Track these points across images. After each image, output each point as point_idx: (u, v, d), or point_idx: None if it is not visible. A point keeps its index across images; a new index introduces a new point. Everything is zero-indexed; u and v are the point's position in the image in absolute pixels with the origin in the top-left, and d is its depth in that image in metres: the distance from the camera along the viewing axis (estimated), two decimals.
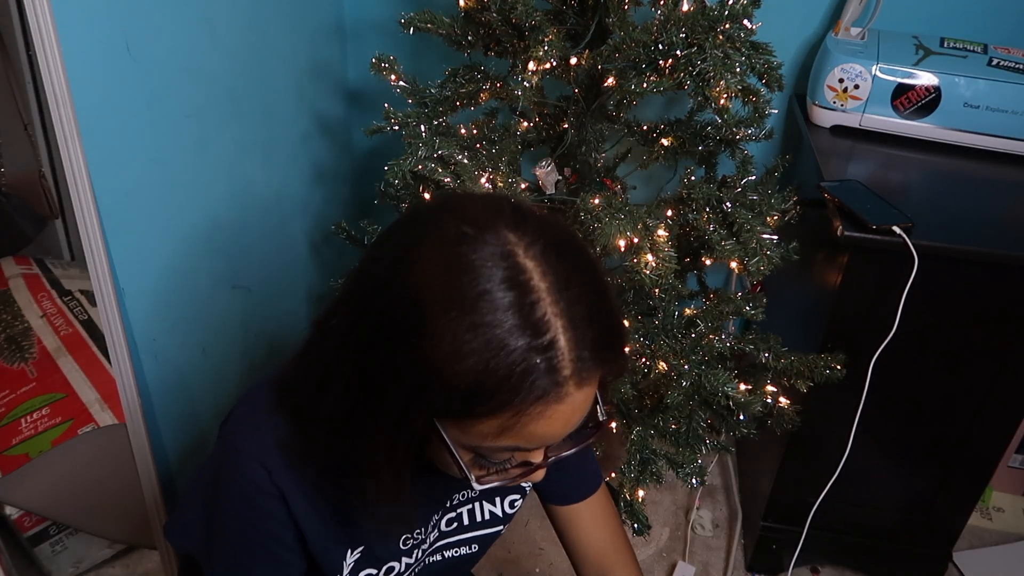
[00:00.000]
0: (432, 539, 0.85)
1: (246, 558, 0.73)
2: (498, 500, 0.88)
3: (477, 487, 0.64)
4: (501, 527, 0.89)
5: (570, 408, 0.59)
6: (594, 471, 0.94)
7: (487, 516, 0.88)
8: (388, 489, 0.65)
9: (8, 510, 1.39)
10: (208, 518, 0.74)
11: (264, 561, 0.74)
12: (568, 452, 0.66)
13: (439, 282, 0.56)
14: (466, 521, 0.87)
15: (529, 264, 0.57)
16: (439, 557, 0.88)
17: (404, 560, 0.82)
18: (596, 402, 0.65)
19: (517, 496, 0.89)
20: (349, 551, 0.77)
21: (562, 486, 0.91)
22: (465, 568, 0.94)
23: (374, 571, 0.80)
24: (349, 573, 0.79)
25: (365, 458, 0.64)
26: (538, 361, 0.55)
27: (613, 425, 1.39)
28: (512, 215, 0.60)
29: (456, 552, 0.88)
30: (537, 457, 0.65)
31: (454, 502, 0.85)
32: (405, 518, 0.71)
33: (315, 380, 0.67)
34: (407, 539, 0.81)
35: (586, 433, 0.66)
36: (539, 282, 0.57)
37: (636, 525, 1.33)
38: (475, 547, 0.89)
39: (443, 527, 0.85)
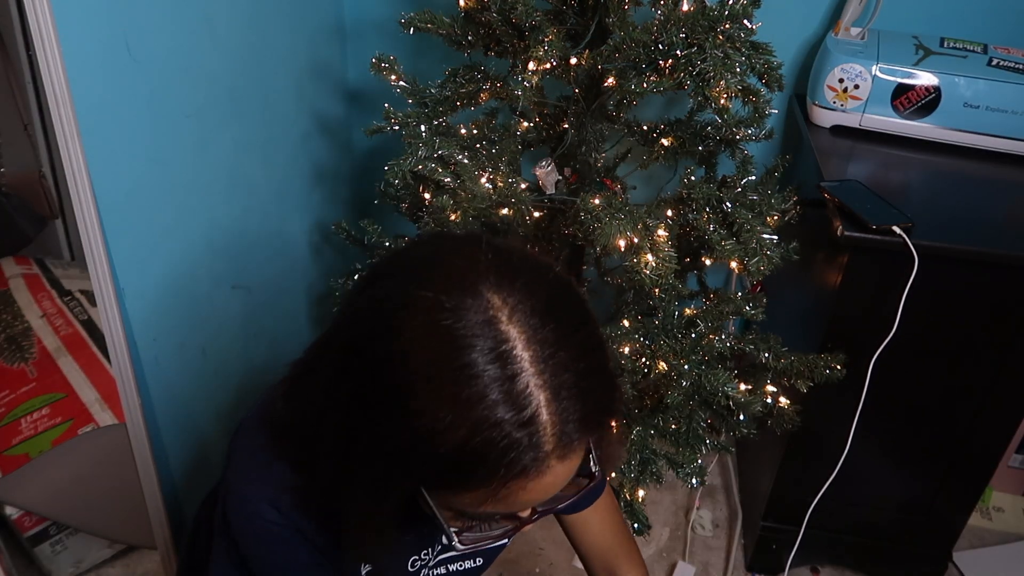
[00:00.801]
0: (436, 551, 0.85)
1: None
2: None
3: (460, 547, 0.62)
4: (506, 540, 0.89)
5: (553, 479, 0.57)
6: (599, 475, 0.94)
7: None
8: (371, 541, 0.64)
9: (8, 510, 1.39)
10: (242, 566, 0.73)
11: None
12: (560, 504, 0.64)
13: (417, 354, 0.54)
14: None
15: (512, 332, 0.54)
16: (443, 571, 0.87)
17: None
18: (589, 452, 0.63)
19: None
20: (362, 565, 0.78)
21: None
22: None
23: None
24: None
25: (351, 513, 0.63)
26: (519, 437, 0.53)
27: (613, 425, 1.39)
28: (496, 273, 0.56)
29: (460, 566, 0.88)
30: (525, 512, 0.63)
31: None
32: (388, 566, 0.70)
33: (304, 431, 0.65)
34: (415, 561, 0.81)
35: (578, 485, 0.64)
36: (522, 351, 0.54)
37: (636, 525, 1.33)
38: (480, 560, 0.89)
39: (445, 541, 0.85)
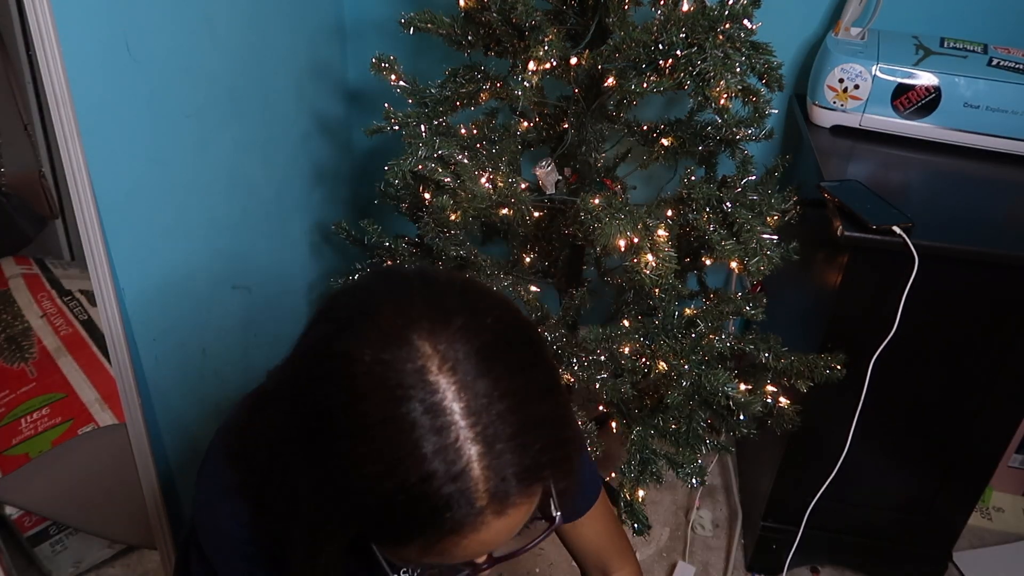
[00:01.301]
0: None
1: None
2: None
3: None
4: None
5: (491, 535, 0.54)
6: (592, 480, 0.93)
7: None
8: None
9: (8, 510, 1.39)
10: None
11: None
12: (519, 549, 0.62)
13: (348, 406, 0.52)
14: None
15: (443, 382, 0.51)
16: None
17: None
18: (550, 495, 0.60)
19: None
20: None
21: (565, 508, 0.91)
22: None
23: None
24: None
25: (296, 555, 0.62)
26: (449, 492, 0.51)
27: (613, 425, 1.39)
28: (429, 317, 0.54)
29: None
30: (480, 559, 0.60)
31: None
32: None
33: (255, 470, 0.65)
34: None
35: (537, 529, 0.62)
36: (452, 403, 0.51)
37: (636, 525, 1.32)
38: None
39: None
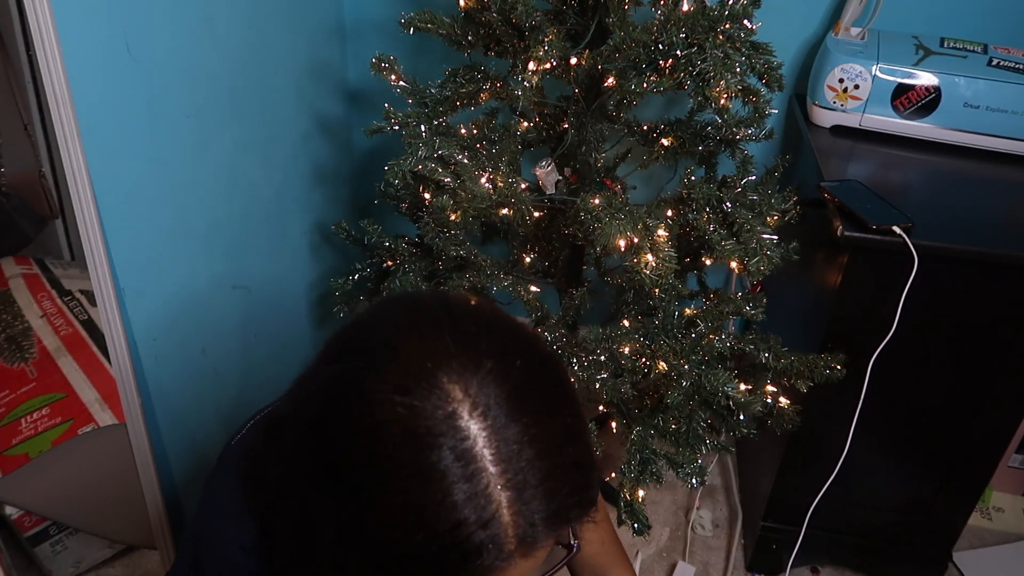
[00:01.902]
0: None
1: None
2: None
3: None
4: None
5: (517, 573, 0.54)
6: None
7: None
8: None
9: (8, 510, 1.39)
10: None
11: None
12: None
13: (374, 451, 0.51)
14: None
15: (474, 428, 0.50)
16: None
17: None
18: (568, 527, 0.59)
19: None
20: None
21: None
22: None
23: None
24: None
25: None
26: (480, 539, 0.50)
27: (613, 425, 1.39)
28: (458, 360, 0.52)
29: None
30: None
31: None
32: None
33: (269, 498, 0.64)
34: None
35: (555, 558, 0.61)
36: (483, 449, 0.50)
37: (636, 525, 1.32)
38: None
39: None
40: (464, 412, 0.51)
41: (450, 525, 0.50)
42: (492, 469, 0.50)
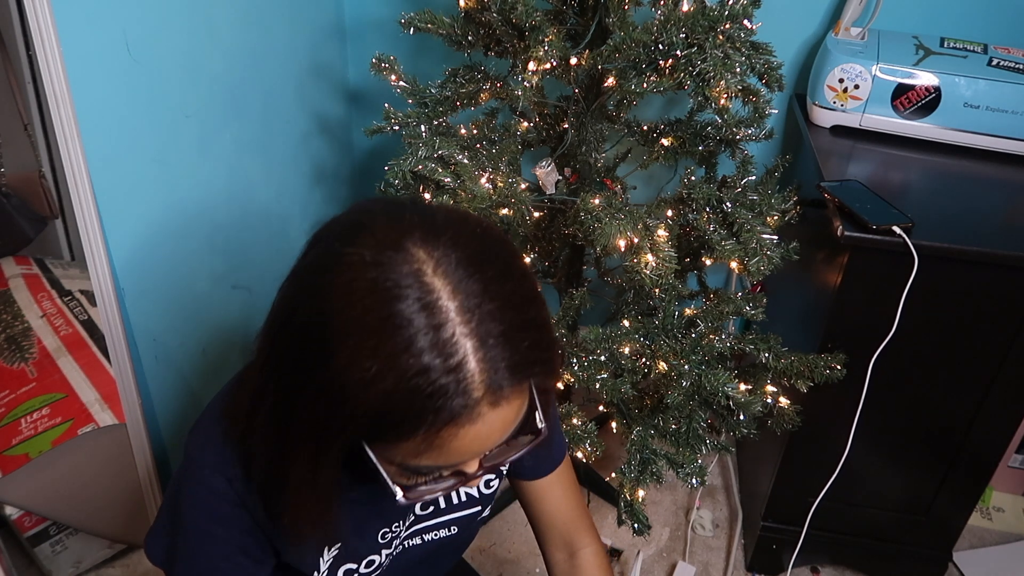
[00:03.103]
0: (408, 522, 0.85)
1: (207, 569, 0.74)
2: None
3: (403, 501, 0.62)
4: (480, 507, 0.89)
5: (486, 427, 0.57)
6: (559, 442, 0.95)
7: (463, 498, 0.87)
8: (315, 511, 0.65)
9: (8, 510, 1.39)
10: (172, 532, 0.75)
11: (226, 572, 0.74)
12: (506, 459, 0.64)
13: (343, 308, 0.55)
14: (443, 504, 0.86)
15: (437, 283, 0.55)
16: (418, 540, 0.87)
17: (384, 552, 0.83)
18: (535, 409, 0.63)
19: (493, 476, 0.88)
20: (326, 549, 0.78)
21: (532, 461, 0.92)
22: (447, 551, 0.94)
23: (354, 566, 0.81)
24: (327, 570, 0.79)
25: (293, 482, 0.63)
26: (446, 383, 0.54)
27: (613, 425, 1.39)
28: (422, 228, 0.58)
29: (435, 535, 0.88)
30: (471, 467, 0.63)
31: None
32: (328, 536, 0.70)
33: (247, 406, 0.67)
34: (385, 533, 0.81)
35: (523, 441, 0.65)
36: (447, 302, 0.54)
37: (636, 525, 1.32)
38: (454, 529, 0.89)
39: (418, 511, 0.85)
40: (428, 269, 0.55)
41: (418, 370, 0.53)
42: (457, 319, 0.54)
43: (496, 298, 0.56)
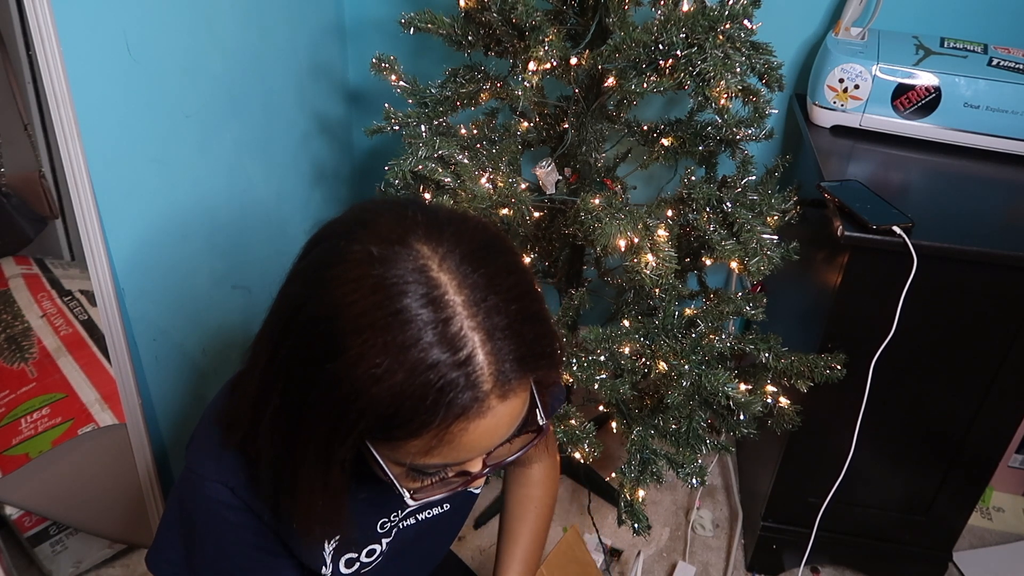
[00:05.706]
0: (404, 512, 0.85)
1: (238, 572, 0.74)
2: None
3: (411, 503, 0.62)
4: (471, 488, 0.89)
5: (495, 421, 0.57)
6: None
7: None
8: (324, 511, 0.65)
9: (8, 510, 1.39)
10: (188, 547, 0.74)
11: (255, 570, 0.74)
12: (509, 459, 0.65)
13: (351, 304, 0.54)
14: None
15: (443, 278, 0.55)
16: (412, 521, 0.87)
17: (384, 540, 0.83)
18: (535, 406, 0.63)
19: None
20: (327, 542, 0.78)
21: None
22: (441, 528, 0.94)
23: (354, 555, 0.81)
24: (331, 562, 0.80)
25: (301, 483, 0.63)
26: (456, 377, 0.54)
27: (613, 425, 1.39)
28: (425, 225, 0.58)
29: (429, 514, 0.88)
30: (475, 466, 0.64)
31: None
32: (341, 535, 0.71)
33: (249, 410, 0.66)
34: (384, 523, 0.82)
35: (526, 439, 0.65)
36: (454, 296, 0.55)
37: (636, 525, 1.32)
38: (447, 506, 0.89)
39: (407, 501, 0.85)
40: (434, 265, 0.56)
41: (428, 364, 0.53)
42: (464, 312, 0.55)
43: (500, 292, 0.57)
